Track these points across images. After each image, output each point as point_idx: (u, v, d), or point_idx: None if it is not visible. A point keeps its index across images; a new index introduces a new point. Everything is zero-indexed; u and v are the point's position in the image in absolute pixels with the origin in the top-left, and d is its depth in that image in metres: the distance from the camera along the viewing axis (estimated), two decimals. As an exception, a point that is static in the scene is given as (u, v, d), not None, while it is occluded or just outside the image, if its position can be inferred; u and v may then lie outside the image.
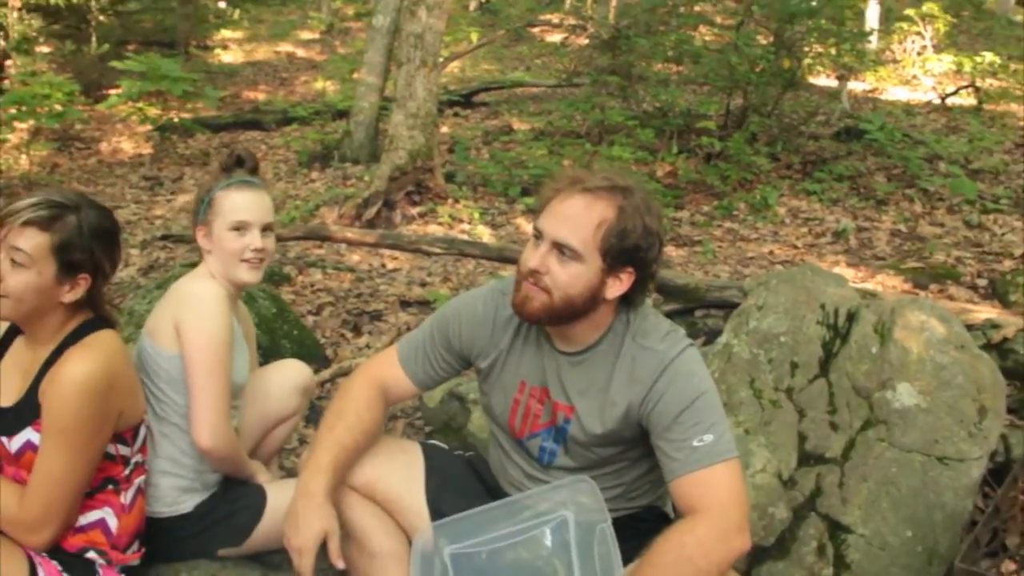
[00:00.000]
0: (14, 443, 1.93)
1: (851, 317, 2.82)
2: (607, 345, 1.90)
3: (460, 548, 1.86)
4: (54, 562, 1.94)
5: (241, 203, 2.26)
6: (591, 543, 1.79)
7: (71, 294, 1.93)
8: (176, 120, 8.95)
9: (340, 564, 1.81)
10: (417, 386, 2.10)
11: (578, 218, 1.78)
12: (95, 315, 2.01)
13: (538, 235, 1.82)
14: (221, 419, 2.18)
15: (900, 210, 6.59)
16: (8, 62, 10.18)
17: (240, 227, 2.25)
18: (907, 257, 5.72)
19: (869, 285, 5.02)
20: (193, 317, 2.16)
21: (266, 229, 2.29)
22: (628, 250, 1.79)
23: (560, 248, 1.78)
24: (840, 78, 9.39)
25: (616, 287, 1.82)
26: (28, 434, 1.92)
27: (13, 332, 2.06)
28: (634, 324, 1.90)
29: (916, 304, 2.86)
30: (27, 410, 1.93)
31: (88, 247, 1.91)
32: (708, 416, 1.79)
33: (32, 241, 1.86)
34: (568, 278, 1.78)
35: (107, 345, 1.94)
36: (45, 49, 11.20)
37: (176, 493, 2.25)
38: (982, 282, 5.15)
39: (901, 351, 2.69)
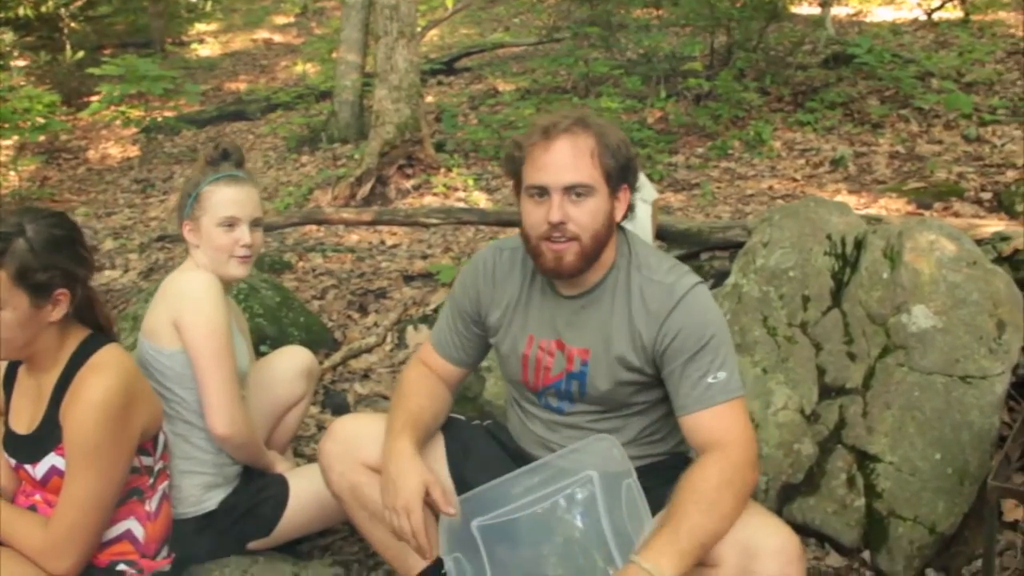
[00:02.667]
0: (39, 469, 1.92)
1: (859, 245, 2.78)
2: (612, 280, 1.91)
3: (488, 520, 1.85)
4: None
5: (229, 198, 2.23)
6: (618, 499, 1.79)
7: (56, 312, 1.88)
8: (160, 120, 8.87)
9: (451, 511, 1.81)
10: (458, 366, 2.14)
11: (573, 157, 1.80)
12: (92, 329, 1.97)
13: (540, 191, 1.82)
14: (234, 405, 2.18)
15: (896, 131, 6.51)
16: (-15, 80, 10.10)
17: (229, 223, 2.23)
18: (908, 178, 5.65)
19: (873, 210, 4.96)
20: (190, 310, 2.15)
21: (255, 223, 2.27)
22: (622, 166, 1.85)
23: (572, 191, 1.80)
24: (823, 5, 9.23)
25: (620, 208, 1.88)
26: (52, 459, 1.91)
27: (14, 364, 2.03)
28: (636, 257, 1.93)
29: (923, 224, 2.82)
30: (47, 436, 1.91)
31: (48, 263, 1.83)
32: (721, 353, 1.83)
33: None
34: (589, 216, 1.81)
35: (117, 361, 1.90)
36: (20, 63, 11.08)
37: (200, 491, 2.25)
38: (986, 195, 5.09)
39: (912, 273, 2.65)
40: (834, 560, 2.43)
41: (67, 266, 1.87)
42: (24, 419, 1.96)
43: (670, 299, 1.85)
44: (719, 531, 1.65)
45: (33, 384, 1.96)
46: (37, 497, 1.97)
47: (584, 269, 1.87)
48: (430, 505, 1.81)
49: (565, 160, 1.80)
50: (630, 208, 1.92)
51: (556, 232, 1.81)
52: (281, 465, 2.41)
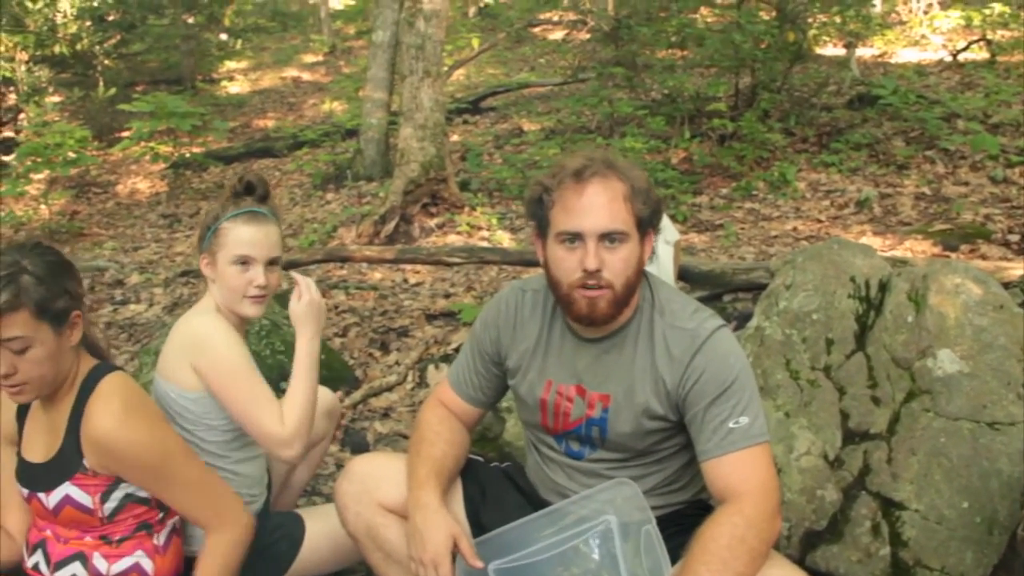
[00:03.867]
0: (52, 498, 1.93)
1: (883, 287, 2.75)
2: (635, 325, 1.89)
3: (505, 563, 1.83)
4: None
5: (246, 237, 2.20)
6: (637, 546, 1.76)
7: (75, 335, 1.93)
8: (188, 156, 9.00)
9: (479, 563, 1.80)
10: (476, 406, 2.12)
11: (608, 202, 1.78)
12: (96, 358, 2.01)
13: (573, 238, 1.79)
14: (284, 425, 2.13)
15: (922, 173, 6.47)
16: (20, 115, 10.30)
17: (244, 261, 2.19)
18: (934, 220, 5.61)
19: (898, 252, 4.93)
20: (208, 356, 2.14)
21: (271, 263, 2.24)
22: (652, 210, 1.84)
23: (607, 238, 1.78)
24: (848, 46, 9.25)
25: (647, 252, 1.87)
26: (67, 488, 1.93)
27: None
28: (659, 301, 1.90)
29: (949, 267, 2.78)
30: (65, 465, 1.93)
31: (59, 290, 1.88)
32: (744, 397, 1.80)
33: (16, 325, 1.81)
34: (623, 263, 1.79)
35: (123, 385, 1.96)
36: (55, 98, 11.31)
37: (214, 530, 2.23)
38: (1014, 237, 5.04)
39: (938, 317, 2.61)
40: (859, 610, 2.38)
41: (72, 288, 1.93)
42: (39, 448, 1.98)
43: (693, 343, 1.83)
44: None
45: (47, 414, 1.99)
46: (48, 532, 1.99)
47: (616, 316, 1.85)
48: (454, 556, 1.80)
49: (600, 205, 1.77)
50: (653, 251, 1.92)
51: (591, 280, 1.78)
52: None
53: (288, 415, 2.13)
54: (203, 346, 2.15)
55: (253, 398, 2.12)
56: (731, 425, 1.77)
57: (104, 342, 2.10)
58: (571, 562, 1.80)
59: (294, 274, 2.31)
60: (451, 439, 2.03)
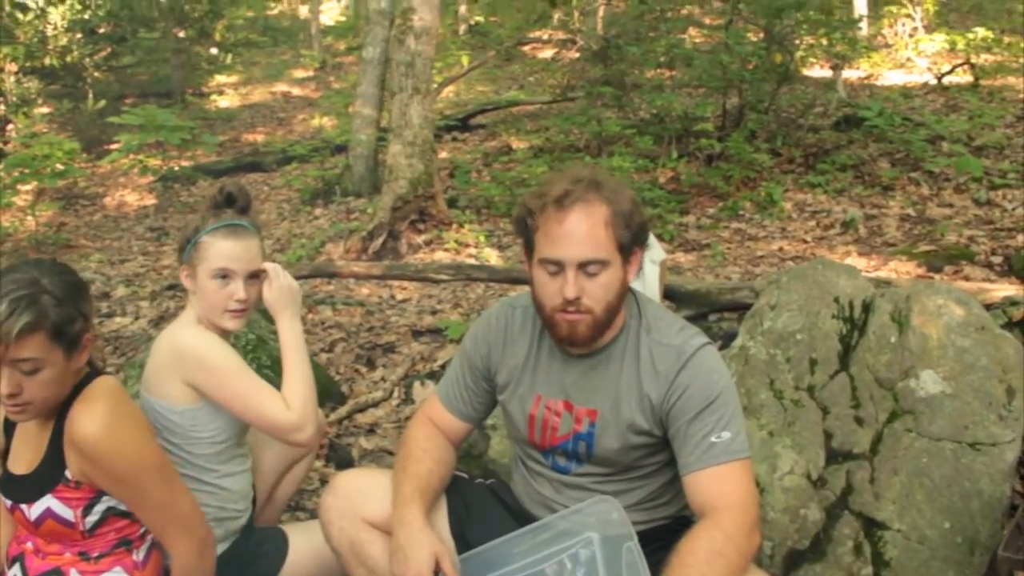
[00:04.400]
0: (34, 510, 1.92)
1: (867, 308, 2.77)
2: (622, 342, 1.91)
3: None
4: None
5: (226, 251, 2.18)
6: (618, 561, 1.77)
7: (83, 357, 1.90)
8: (177, 169, 8.99)
9: None
10: (464, 421, 2.12)
11: (588, 230, 1.78)
12: (87, 366, 1.98)
13: (555, 265, 1.80)
14: (291, 409, 2.13)
15: (907, 194, 6.53)
16: (9, 126, 10.28)
17: (224, 275, 2.18)
18: (919, 241, 5.66)
19: (883, 273, 4.97)
20: (200, 368, 2.13)
21: (251, 276, 2.22)
22: (635, 233, 1.84)
23: (587, 265, 1.79)
24: (834, 68, 9.35)
25: (632, 271, 1.87)
26: (48, 501, 1.91)
27: None
28: (646, 319, 1.92)
29: (932, 288, 2.81)
30: (45, 477, 1.91)
31: (74, 312, 1.85)
32: (727, 413, 1.82)
33: (32, 347, 1.78)
34: (603, 289, 1.80)
35: (107, 390, 1.93)
36: (44, 110, 11.30)
37: (197, 545, 2.22)
38: (997, 259, 5.09)
39: (921, 338, 2.64)
40: (841, 630, 2.39)
41: (87, 310, 1.90)
42: (24, 460, 1.96)
43: (679, 360, 1.85)
44: None
45: (33, 426, 1.96)
46: (28, 545, 1.98)
47: (597, 338, 1.87)
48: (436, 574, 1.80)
49: (580, 235, 1.78)
50: (637, 268, 1.93)
51: (571, 306, 1.80)
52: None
53: (292, 400, 2.14)
54: (192, 359, 2.14)
55: (254, 393, 2.13)
56: (713, 439, 1.79)
57: (100, 352, 2.09)
58: (550, 572, 1.81)
59: (265, 264, 2.30)
60: (438, 457, 2.03)
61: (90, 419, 1.85)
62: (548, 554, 1.82)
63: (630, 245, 1.84)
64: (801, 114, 8.14)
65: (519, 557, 1.84)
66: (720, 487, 1.76)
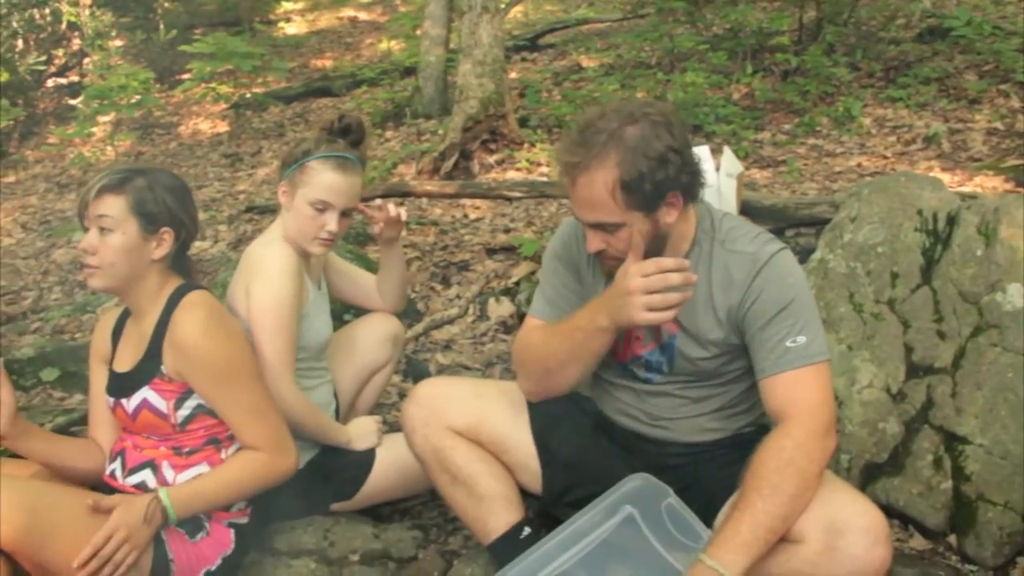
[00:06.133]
0: (132, 402, 2.05)
1: (951, 221, 2.71)
2: (695, 256, 1.91)
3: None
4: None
5: (331, 182, 2.23)
6: (661, 521, 1.80)
7: (159, 250, 2.05)
8: (248, 96, 9.07)
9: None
10: None
11: (592, 198, 1.78)
12: (186, 281, 2.11)
13: (578, 219, 1.88)
14: (281, 380, 2.19)
15: (995, 107, 6.26)
16: (85, 59, 10.46)
17: (321, 206, 2.23)
18: (1007, 155, 5.44)
19: (968, 188, 4.80)
20: (260, 281, 2.20)
21: (346, 212, 2.27)
22: (655, 189, 1.77)
23: (600, 227, 1.81)
24: (919, -24, 8.92)
25: (671, 213, 1.82)
26: (145, 392, 2.04)
27: (123, 316, 2.19)
28: (719, 231, 1.91)
29: (1022, 200, 2.72)
30: (144, 371, 2.04)
31: (162, 200, 2.03)
32: (802, 317, 1.81)
33: (111, 205, 1.99)
34: (625, 243, 1.81)
35: (207, 300, 2.06)
36: (118, 42, 11.44)
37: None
38: (1090, 173, 4.88)
39: (1009, 251, 2.57)
40: (918, 543, 2.39)
41: (177, 211, 2.06)
42: (127, 360, 2.11)
43: (753, 266, 1.85)
44: (787, 513, 1.65)
45: (136, 330, 2.11)
46: (128, 443, 2.10)
47: None
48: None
49: (585, 200, 1.80)
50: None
51: (601, 254, 1.87)
52: (361, 442, 2.38)
53: (283, 394, 2.20)
54: (260, 272, 2.22)
55: (270, 347, 2.18)
56: (788, 344, 1.79)
57: (195, 268, 2.21)
58: (605, 557, 1.83)
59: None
60: None
61: (191, 321, 1.98)
62: (591, 539, 1.83)
63: (652, 198, 1.77)
64: (883, 26, 7.81)
65: (561, 553, 1.83)
66: (792, 393, 1.76)
